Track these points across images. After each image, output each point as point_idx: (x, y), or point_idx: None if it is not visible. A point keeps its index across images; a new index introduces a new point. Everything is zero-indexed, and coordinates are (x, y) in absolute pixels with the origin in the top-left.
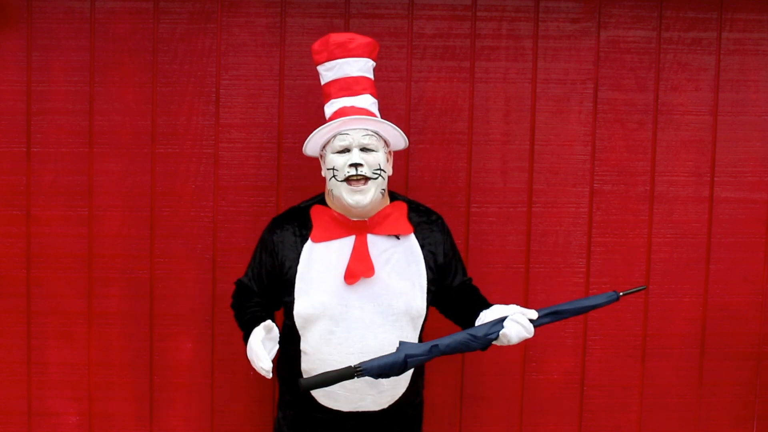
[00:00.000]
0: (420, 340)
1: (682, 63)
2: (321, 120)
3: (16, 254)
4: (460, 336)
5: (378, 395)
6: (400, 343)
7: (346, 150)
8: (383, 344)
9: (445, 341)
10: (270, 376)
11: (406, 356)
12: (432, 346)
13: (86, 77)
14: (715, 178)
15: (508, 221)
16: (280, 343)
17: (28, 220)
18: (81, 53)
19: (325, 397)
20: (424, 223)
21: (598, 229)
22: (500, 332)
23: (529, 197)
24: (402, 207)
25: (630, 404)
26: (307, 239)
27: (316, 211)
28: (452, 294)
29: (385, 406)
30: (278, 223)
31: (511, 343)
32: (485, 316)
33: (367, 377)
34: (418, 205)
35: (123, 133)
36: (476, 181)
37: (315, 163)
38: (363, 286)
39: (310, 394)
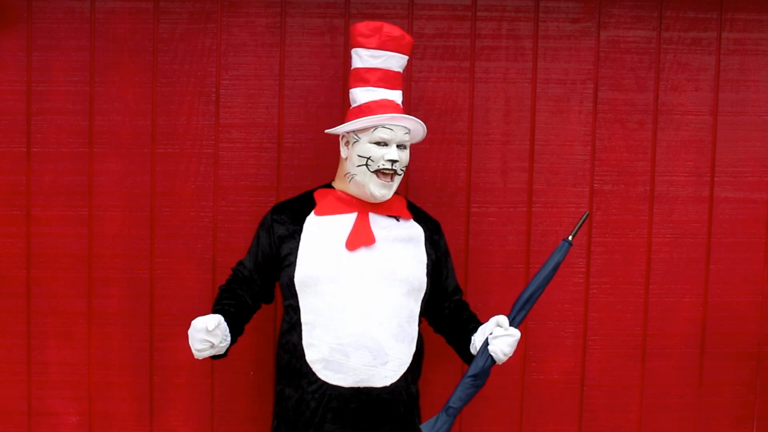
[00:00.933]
0: (420, 316)
1: (682, 63)
2: (321, 120)
3: (16, 254)
4: (463, 384)
5: (381, 367)
6: (421, 428)
7: (384, 144)
8: (386, 309)
9: (454, 398)
10: (200, 349)
11: None
12: (447, 409)
13: (86, 77)
14: (715, 178)
15: (508, 221)
16: (280, 338)
17: (28, 220)
18: (81, 53)
19: (327, 369)
20: (422, 219)
21: (598, 229)
22: (492, 356)
23: (529, 197)
24: (402, 199)
25: (630, 404)
26: (309, 214)
27: (320, 193)
28: (444, 305)
29: (388, 383)
30: (280, 205)
31: (509, 356)
32: (475, 341)
33: (371, 345)
34: (416, 206)
35: (123, 133)
36: (476, 181)
37: (315, 162)
38: (365, 254)
39: (312, 371)
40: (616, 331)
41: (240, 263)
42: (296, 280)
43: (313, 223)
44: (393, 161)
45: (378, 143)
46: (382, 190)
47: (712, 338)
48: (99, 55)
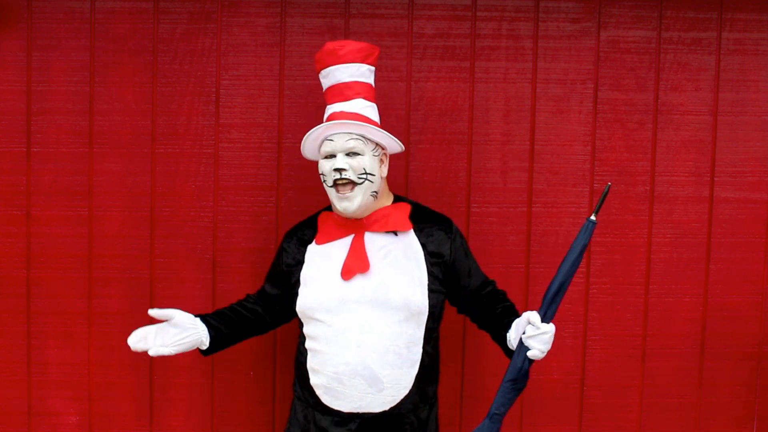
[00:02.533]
0: (426, 339)
1: (682, 63)
2: (321, 119)
3: (16, 254)
4: (503, 389)
5: (377, 394)
6: None
7: (332, 155)
8: (381, 339)
9: (497, 404)
10: (133, 345)
11: None
12: (491, 416)
13: (86, 77)
14: (715, 178)
15: (508, 221)
16: (297, 352)
17: (28, 220)
18: (81, 53)
19: (327, 395)
20: (428, 223)
21: (598, 229)
22: (529, 358)
23: (529, 197)
24: (405, 207)
25: (630, 404)
26: (311, 243)
27: (322, 217)
28: (479, 300)
29: (387, 407)
30: (291, 231)
31: (546, 352)
32: (510, 339)
33: (365, 374)
34: (425, 208)
35: (123, 133)
36: (476, 181)
37: (315, 162)
38: (360, 282)
39: (315, 393)
40: (616, 331)
41: (263, 285)
42: (298, 310)
43: (313, 252)
44: (339, 170)
45: (327, 157)
46: (343, 203)
47: (712, 338)
48: (99, 55)
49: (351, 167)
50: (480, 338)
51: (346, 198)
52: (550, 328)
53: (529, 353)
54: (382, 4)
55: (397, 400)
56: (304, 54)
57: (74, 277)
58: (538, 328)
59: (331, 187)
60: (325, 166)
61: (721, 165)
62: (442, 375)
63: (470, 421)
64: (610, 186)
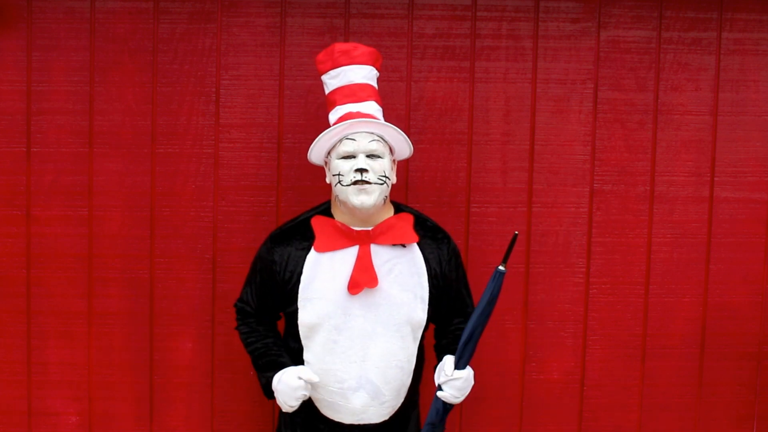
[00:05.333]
0: (420, 351)
1: (682, 63)
2: (321, 120)
3: (16, 254)
4: (424, 429)
5: (380, 407)
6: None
7: (351, 156)
8: (385, 353)
9: None
10: (293, 406)
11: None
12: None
13: (86, 77)
14: (715, 178)
15: (508, 221)
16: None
17: (28, 220)
18: (81, 53)
19: (327, 408)
20: (430, 238)
21: (598, 229)
22: (443, 402)
23: (529, 197)
24: (408, 218)
25: (630, 404)
26: (309, 249)
27: (317, 222)
28: (445, 334)
29: (386, 417)
30: (276, 239)
31: (465, 395)
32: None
33: (369, 388)
34: (426, 220)
35: (123, 133)
36: (476, 181)
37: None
38: (365, 296)
39: (313, 405)
40: (616, 331)
41: (241, 300)
42: (299, 323)
43: (313, 262)
44: (361, 170)
45: (345, 158)
46: (360, 196)
47: (712, 338)
48: (99, 55)
49: (372, 169)
50: (480, 338)
51: (365, 191)
52: (462, 374)
53: (439, 393)
54: (382, 4)
55: (396, 409)
56: (304, 54)
57: (74, 277)
58: (450, 375)
59: (347, 186)
60: (344, 166)
61: (721, 165)
62: None
63: (470, 421)
64: (517, 235)
